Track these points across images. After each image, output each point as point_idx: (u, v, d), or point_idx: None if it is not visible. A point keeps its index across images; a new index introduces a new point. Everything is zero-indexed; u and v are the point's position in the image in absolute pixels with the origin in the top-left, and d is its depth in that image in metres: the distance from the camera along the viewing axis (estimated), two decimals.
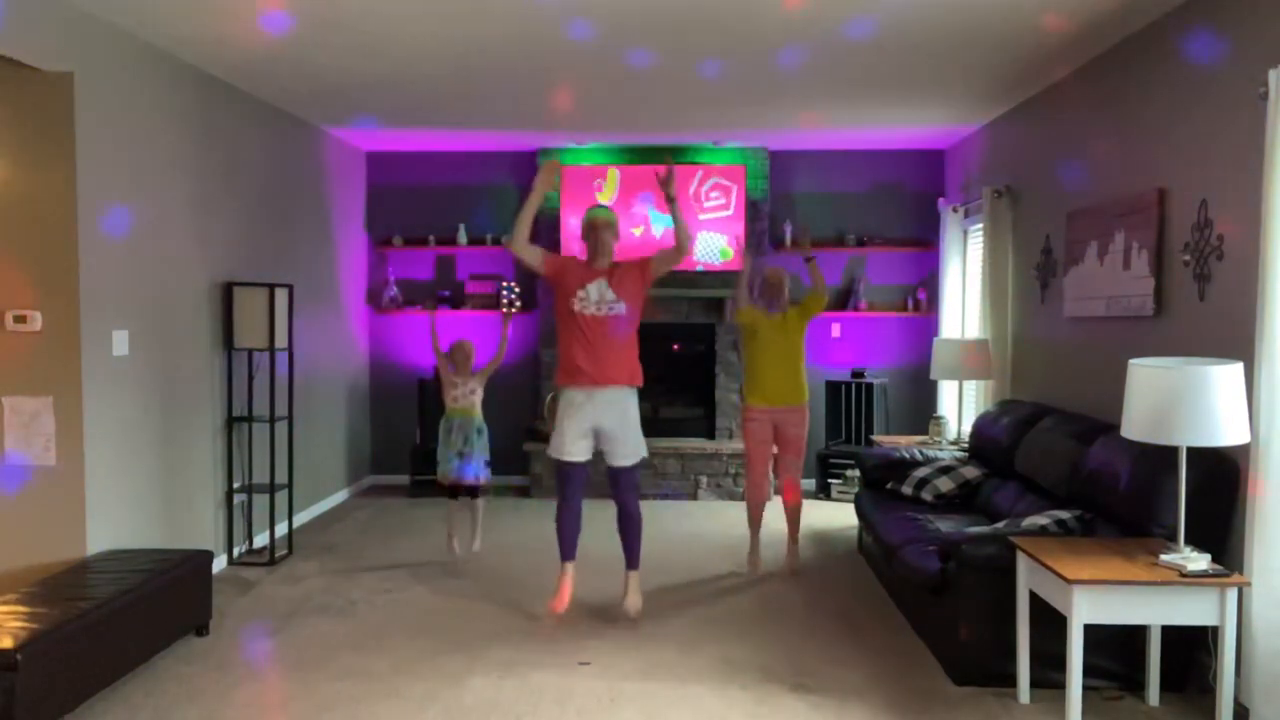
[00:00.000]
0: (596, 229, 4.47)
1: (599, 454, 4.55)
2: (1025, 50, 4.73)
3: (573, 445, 4.43)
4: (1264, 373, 3.20)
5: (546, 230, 7.56)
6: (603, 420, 4.43)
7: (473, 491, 5.45)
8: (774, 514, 5.59)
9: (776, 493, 5.69)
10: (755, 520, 5.39)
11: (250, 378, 5.57)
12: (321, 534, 6.23)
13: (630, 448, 4.49)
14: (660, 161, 4.49)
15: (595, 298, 4.41)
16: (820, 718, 3.48)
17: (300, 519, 6.34)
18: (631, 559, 4.60)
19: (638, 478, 4.58)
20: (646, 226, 7.46)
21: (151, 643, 3.92)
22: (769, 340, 5.27)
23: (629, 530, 4.58)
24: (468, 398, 5.40)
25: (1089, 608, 3.13)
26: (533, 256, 4.46)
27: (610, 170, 7.49)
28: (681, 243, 4.44)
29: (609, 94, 5.73)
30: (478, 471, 5.39)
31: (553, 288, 4.55)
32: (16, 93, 4.05)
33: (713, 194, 7.48)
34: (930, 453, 5.78)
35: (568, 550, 4.56)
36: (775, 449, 5.42)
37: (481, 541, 5.55)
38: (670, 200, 4.40)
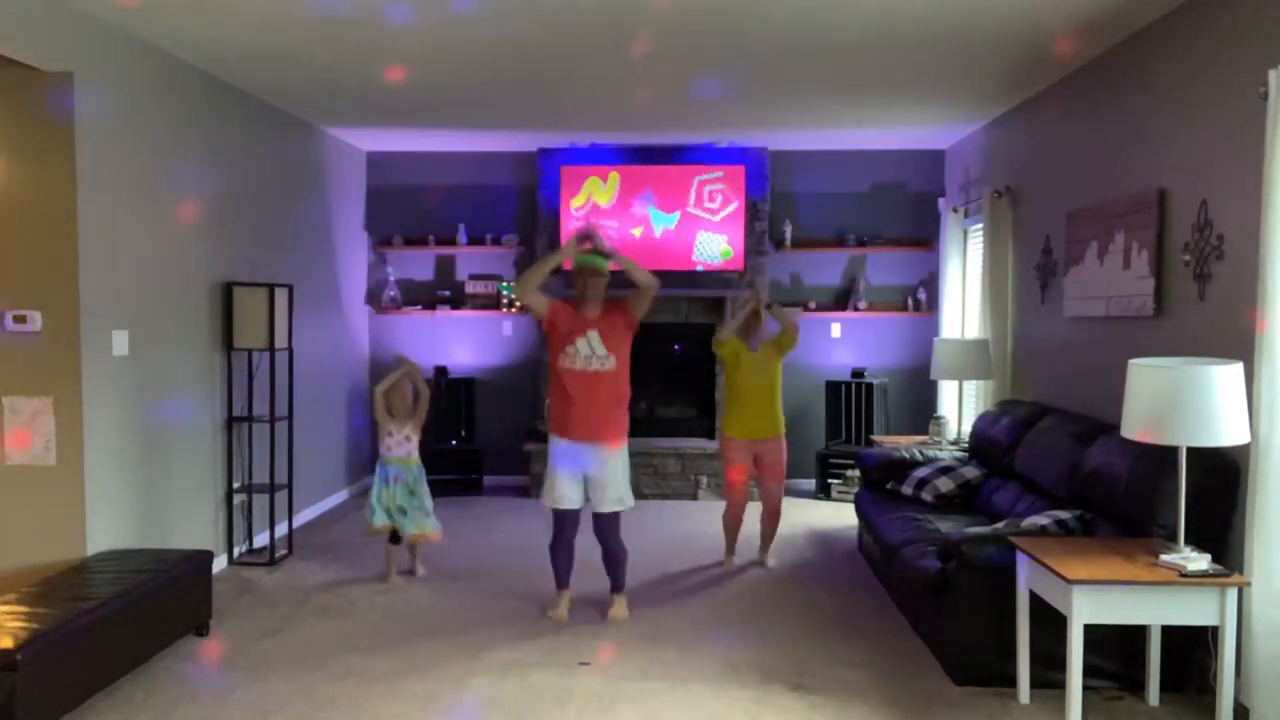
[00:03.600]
0: (585, 275, 4.43)
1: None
2: (1025, 50, 4.73)
3: (563, 493, 4.49)
4: (1264, 373, 3.20)
5: (546, 229, 7.56)
6: (590, 469, 4.48)
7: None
8: (750, 518, 5.60)
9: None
10: (732, 540, 5.52)
11: (250, 378, 5.57)
12: (321, 534, 6.23)
13: (614, 496, 4.51)
14: (586, 230, 4.53)
15: (585, 353, 4.41)
16: (820, 718, 3.48)
17: (300, 519, 6.34)
18: (617, 585, 4.65)
19: (620, 522, 4.59)
20: (646, 226, 7.46)
21: (151, 643, 3.92)
22: (749, 374, 5.32)
23: (613, 565, 4.63)
24: (404, 445, 5.11)
25: (1089, 608, 3.13)
26: (539, 306, 4.44)
27: (610, 171, 7.49)
28: (644, 283, 4.43)
29: (609, 94, 5.73)
30: (420, 525, 5.09)
31: (548, 335, 4.55)
32: (16, 93, 4.05)
33: (713, 194, 7.48)
34: (930, 453, 5.78)
35: (563, 581, 4.64)
36: (755, 472, 5.47)
37: (424, 569, 5.26)
38: (609, 256, 4.43)
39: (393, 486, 5.09)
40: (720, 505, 7.01)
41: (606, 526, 4.55)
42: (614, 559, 4.60)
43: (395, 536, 5.15)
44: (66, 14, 4.09)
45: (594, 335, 4.42)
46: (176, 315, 4.94)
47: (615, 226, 7.37)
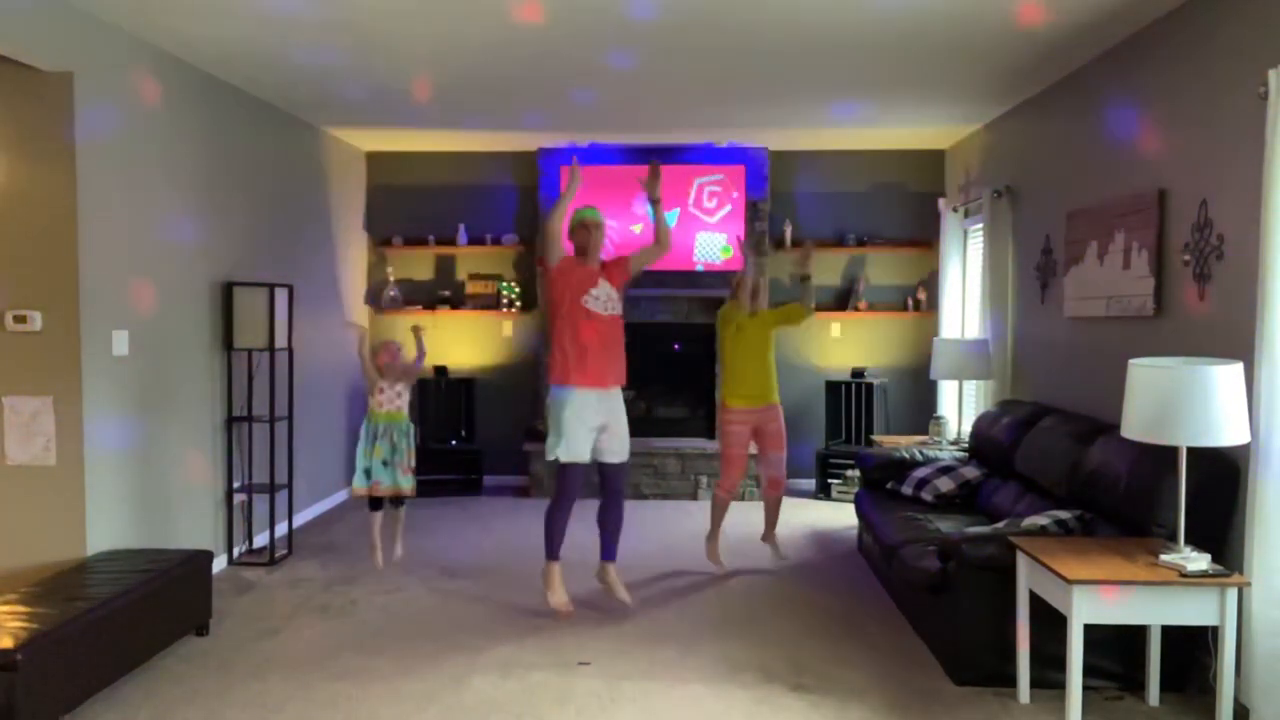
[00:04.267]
0: (588, 228, 4.58)
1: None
2: (1025, 51, 4.73)
3: (580, 447, 4.52)
4: (1264, 373, 3.20)
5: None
6: (608, 419, 4.58)
7: (396, 500, 5.17)
8: (741, 511, 5.59)
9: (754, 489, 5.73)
10: (719, 519, 5.43)
11: (250, 378, 5.57)
12: (321, 534, 6.23)
13: (625, 444, 4.67)
14: (650, 164, 4.64)
15: (604, 297, 4.54)
16: (820, 718, 3.48)
17: (300, 519, 6.34)
18: (610, 551, 4.69)
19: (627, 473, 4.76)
20: (647, 226, 7.46)
21: (151, 643, 3.92)
22: (746, 338, 5.31)
23: (613, 520, 4.68)
24: (394, 401, 5.08)
25: (1089, 608, 3.13)
26: (557, 247, 4.53)
27: (609, 170, 7.48)
28: (662, 239, 4.64)
29: (609, 95, 5.73)
30: (400, 481, 5.06)
31: (554, 285, 4.56)
32: (16, 93, 4.05)
33: (712, 194, 7.47)
34: (930, 453, 5.78)
35: (555, 549, 4.63)
36: (754, 448, 5.46)
37: (404, 548, 5.29)
38: (654, 202, 4.59)
39: (380, 441, 5.04)
40: None
41: (619, 478, 4.68)
42: (618, 518, 4.69)
43: (375, 502, 5.12)
44: (66, 14, 4.09)
45: (604, 281, 4.57)
46: (176, 315, 4.95)
47: (615, 226, 7.37)
